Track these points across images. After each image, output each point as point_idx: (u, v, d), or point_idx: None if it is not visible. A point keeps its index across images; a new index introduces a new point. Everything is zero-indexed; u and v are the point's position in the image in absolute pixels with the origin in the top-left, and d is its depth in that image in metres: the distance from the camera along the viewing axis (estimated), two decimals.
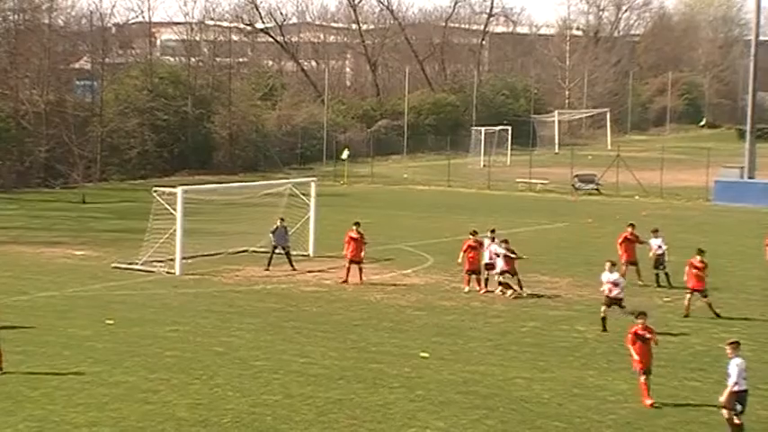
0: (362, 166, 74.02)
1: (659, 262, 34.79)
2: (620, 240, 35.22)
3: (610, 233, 36.11)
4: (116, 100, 72.64)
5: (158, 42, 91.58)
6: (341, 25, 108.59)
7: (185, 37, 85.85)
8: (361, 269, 35.08)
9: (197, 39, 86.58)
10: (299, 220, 40.46)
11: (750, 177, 64.36)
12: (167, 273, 35.85)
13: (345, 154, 70.33)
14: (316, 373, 24.17)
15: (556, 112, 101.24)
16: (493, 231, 34.82)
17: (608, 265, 29.42)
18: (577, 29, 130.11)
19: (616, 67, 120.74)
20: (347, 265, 34.97)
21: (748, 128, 66.28)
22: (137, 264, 36.57)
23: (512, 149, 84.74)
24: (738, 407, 19.71)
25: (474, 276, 33.60)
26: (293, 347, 26.51)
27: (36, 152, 64.62)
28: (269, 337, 27.65)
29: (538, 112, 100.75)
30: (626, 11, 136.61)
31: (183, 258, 36.43)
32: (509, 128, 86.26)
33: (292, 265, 37.01)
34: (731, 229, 49.44)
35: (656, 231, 35.25)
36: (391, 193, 65.33)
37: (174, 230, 36.25)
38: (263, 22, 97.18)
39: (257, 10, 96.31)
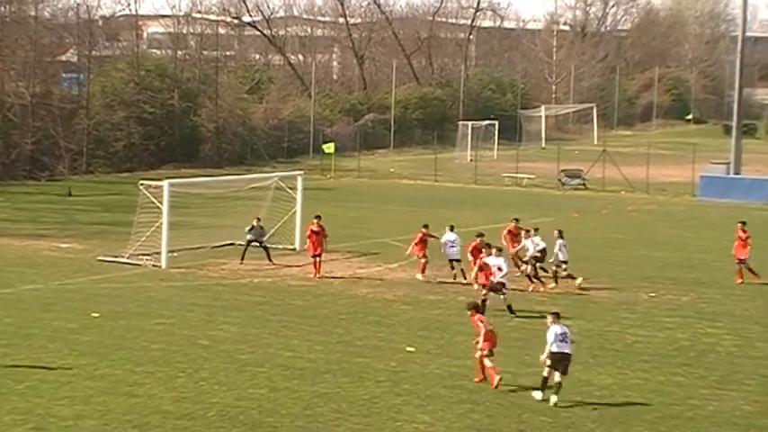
0: (349, 160, 74.00)
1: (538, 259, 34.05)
2: (504, 233, 35.81)
3: (596, 228, 36.18)
4: (102, 93, 72.44)
5: (145, 35, 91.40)
6: (328, 19, 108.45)
7: (172, 30, 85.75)
8: (319, 262, 35.13)
9: (184, 32, 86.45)
10: (285, 214, 40.43)
11: (736, 173, 64.53)
12: (153, 266, 35.80)
13: (331, 148, 70.00)
14: (301, 367, 24.18)
15: (542, 106, 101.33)
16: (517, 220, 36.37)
17: (494, 250, 30.41)
18: (564, 24, 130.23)
19: (603, 63, 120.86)
20: (313, 259, 35.04)
21: (734, 124, 66.47)
22: (123, 257, 36.51)
23: (498, 144, 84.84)
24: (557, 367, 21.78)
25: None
26: (279, 341, 26.51)
27: (22, 144, 64.40)
28: (255, 330, 27.65)
29: (525, 107, 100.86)
30: (613, 6, 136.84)
31: (170, 251, 36.38)
32: (496, 122, 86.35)
33: (270, 260, 37.12)
34: (717, 225, 49.57)
35: (535, 231, 34.72)
36: (378, 187, 65.32)
37: (161, 223, 36.21)
38: (251, 16, 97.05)
39: (244, 3, 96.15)
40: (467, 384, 23.12)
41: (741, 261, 35.19)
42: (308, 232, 35.50)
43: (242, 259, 37.01)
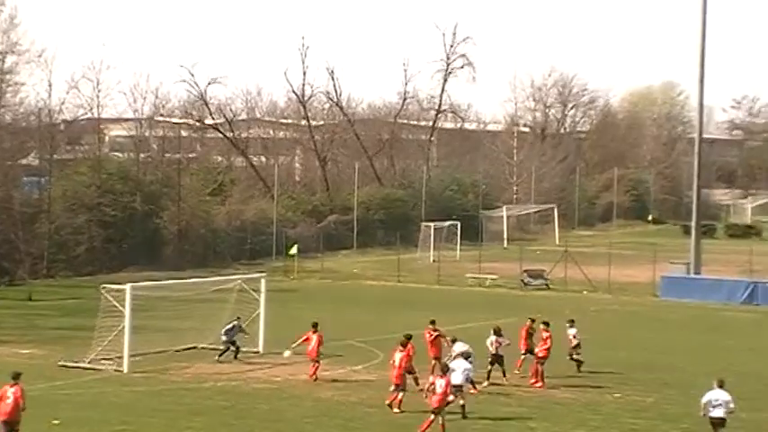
0: (312, 261, 73.94)
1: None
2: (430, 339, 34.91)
3: (558, 327, 36.26)
4: (64, 196, 72.22)
5: (107, 138, 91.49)
6: (290, 121, 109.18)
7: (135, 133, 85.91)
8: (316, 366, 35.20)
9: (146, 134, 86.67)
10: (248, 316, 40.22)
11: (696, 273, 64.98)
12: (115, 371, 35.41)
13: (294, 250, 70.17)
14: None
15: (504, 207, 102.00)
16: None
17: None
18: (524, 125, 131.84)
19: (563, 163, 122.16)
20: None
21: (694, 224, 67.15)
22: (84, 362, 36.08)
23: (461, 244, 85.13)
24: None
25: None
26: None
27: None
28: None
29: (486, 207, 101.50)
30: (572, 108, 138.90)
31: (132, 356, 36.02)
32: (458, 223, 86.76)
33: (236, 357, 37.54)
34: (679, 325, 49.78)
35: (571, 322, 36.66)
36: (341, 289, 65.21)
37: (123, 327, 35.90)
38: (213, 118, 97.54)
39: (207, 106, 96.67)
40: None
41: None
42: (306, 338, 35.37)
43: (220, 356, 37.54)
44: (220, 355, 37.71)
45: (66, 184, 73.25)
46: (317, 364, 35.13)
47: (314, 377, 35.05)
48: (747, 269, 68.09)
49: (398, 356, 31.13)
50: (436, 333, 34.86)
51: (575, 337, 36.52)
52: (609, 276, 64.00)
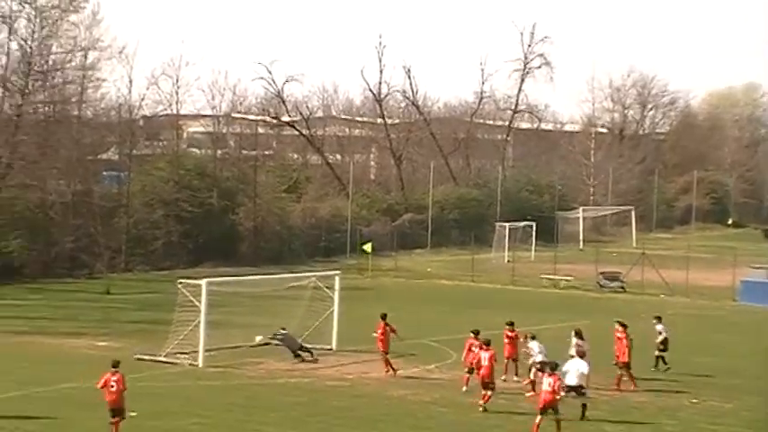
0: (386, 260, 73.94)
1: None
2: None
3: (634, 332, 35.76)
4: (142, 191, 73.04)
5: (185, 134, 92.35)
6: (366, 119, 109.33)
7: (212, 129, 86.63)
8: (387, 360, 35.40)
9: (224, 131, 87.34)
10: (322, 313, 40.30)
11: None
12: (191, 365, 35.69)
13: (368, 247, 70.19)
14: None
15: (580, 208, 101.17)
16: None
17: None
18: (602, 126, 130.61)
19: (641, 165, 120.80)
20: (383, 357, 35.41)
21: None
22: (160, 355, 36.41)
23: (536, 245, 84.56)
24: None
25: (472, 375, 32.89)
26: None
27: (62, 242, 64.88)
28: (292, 431, 27.36)
29: (562, 208, 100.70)
30: (651, 109, 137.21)
31: (207, 350, 36.28)
32: (533, 224, 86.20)
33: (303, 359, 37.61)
34: (759, 330, 48.93)
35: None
36: (415, 288, 65.13)
37: (198, 322, 36.18)
38: (290, 116, 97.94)
39: (283, 104, 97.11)
40: None
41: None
42: (379, 332, 35.55)
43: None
44: (297, 356, 37.67)
45: (144, 180, 74.06)
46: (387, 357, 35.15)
47: (390, 371, 35.05)
48: None
49: (485, 355, 30.92)
50: (514, 334, 34.71)
51: (661, 333, 36.64)
52: (687, 280, 63.13)
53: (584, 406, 29.83)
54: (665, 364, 36.77)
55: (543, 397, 27.41)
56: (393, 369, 35.42)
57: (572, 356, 32.48)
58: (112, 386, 25.92)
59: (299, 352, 37.75)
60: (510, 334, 34.80)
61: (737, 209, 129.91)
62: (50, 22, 65.84)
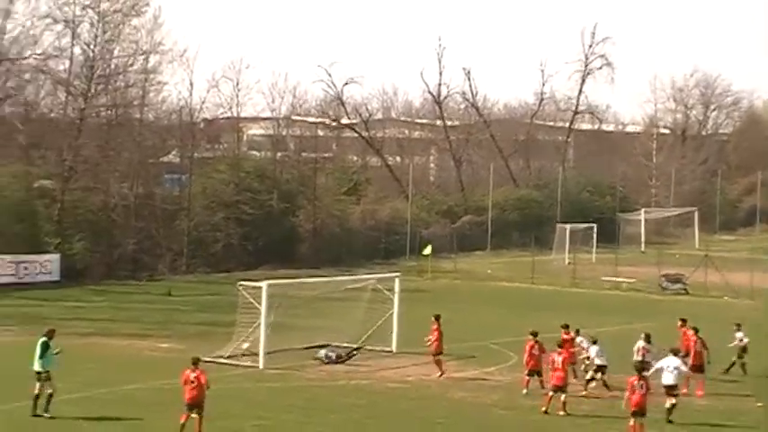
0: (446, 262, 73.80)
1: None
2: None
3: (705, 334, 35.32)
4: (203, 194, 73.51)
5: (245, 137, 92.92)
6: (425, 121, 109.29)
7: (272, 132, 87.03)
8: (439, 361, 35.37)
9: (283, 134, 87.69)
10: (382, 315, 40.29)
11: None
12: (251, 366, 35.82)
13: (428, 250, 70.24)
14: None
15: (642, 210, 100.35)
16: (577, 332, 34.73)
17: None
18: (664, 127, 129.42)
19: (704, 166, 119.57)
20: (435, 359, 35.37)
21: None
22: (222, 357, 36.59)
23: (597, 247, 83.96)
24: None
25: (536, 377, 32.86)
26: None
27: (125, 244, 65.50)
28: None
29: (623, 210, 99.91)
30: (714, 110, 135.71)
31: (268, 352, 36.42)
32: (594, 225, 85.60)
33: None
34: None
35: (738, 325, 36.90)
36: (474, 289, 64.93)
37: (259, 324, 36.33)
38: (349, 118, 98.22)
39: (343, 106, 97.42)
40: None
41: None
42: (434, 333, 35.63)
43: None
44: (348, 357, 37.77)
45: (205, 182, 74.53)
46: (440, 359, 35.15)
47: (443, 374, 35.03)
48: None
49: (559, 359, 30.65)
50: (569, 337, 34.46)
51: (741, 340, 36.47)
52: (751, 282, 62.33)
53: (672, 406, 29.55)
54: (745, 372, 36.39)
55: (635, 399, 27.02)
56: (443, 371, 35.29)
57: (638, 361, 32.04)
58: (193, 382, 26.44)
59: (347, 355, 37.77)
60: (566, 337, 34.46)
61: None
62: (112, 27, 66.51)
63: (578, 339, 34.57)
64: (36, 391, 28.02)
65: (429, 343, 35.69)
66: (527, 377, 32.83)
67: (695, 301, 60.74)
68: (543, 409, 30.10)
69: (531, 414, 30.31)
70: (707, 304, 58.77)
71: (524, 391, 32.68)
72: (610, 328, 45.76)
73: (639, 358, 33.09)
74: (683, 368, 30.48)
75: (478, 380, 35.35)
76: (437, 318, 36.07)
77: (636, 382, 27.13)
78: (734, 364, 36.58)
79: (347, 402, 31.27)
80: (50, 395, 28.03)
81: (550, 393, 30.31)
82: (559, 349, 31.13)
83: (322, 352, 37.83)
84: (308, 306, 46.02)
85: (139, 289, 59.92)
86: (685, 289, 64.26)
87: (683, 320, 36.42)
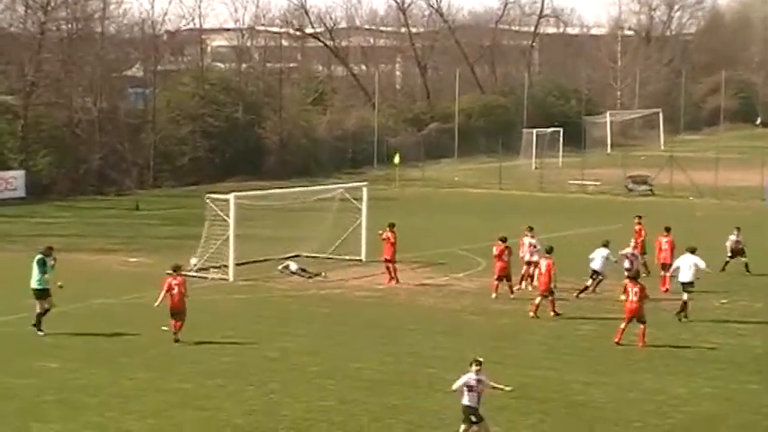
0: (414, 170, 73.92)
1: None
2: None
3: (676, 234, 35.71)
4: (168, 107, 73.07)
5: (209, 49, 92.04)
6: (390, 29, 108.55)
7: (236, 43, 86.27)
8: (393, 269, 35.63)
9: (247, 45, 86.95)
10: (350, 225, 40.45)
11: None
12: (221, 279, 35.98)
13: (397, 159, 70.35)
14: (371, 379, 24.14)
15: (607, 112, 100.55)
16: (531, 229, 34.99)
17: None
18: (629, 29, 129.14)
19: (668, 67, 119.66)
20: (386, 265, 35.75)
21: None
22: (191, 270, 36.67)
23: (563, 151, 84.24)
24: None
25: (505, 282, 33.27)
26: (348, 353, 26.50)
27: (90, 159, 65.15)
28: (323, 342, 27.66)
29: (589, 113, 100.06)
30: (678, 10, 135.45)
31: (237, 264, 36.55)
32: (560, 129, 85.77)
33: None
34: None
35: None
36: (443, 197, 65.19)
37: (228, 237, 36.40)
38: (313, 27, 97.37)
39: (307, 15, 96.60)
40: (537, 395, 22.95)
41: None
42: (383, 239, 35.93)
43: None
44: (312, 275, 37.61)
45: (169, 95, 74.04)
46: (392, 266, 35.46)
47: (395, 280, 35.26)
48: None
49: (544, 263, 30.58)
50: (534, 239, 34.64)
51: (737, 242, 37.52)
52: (716, 181, 62.89)
53: (685, 303, 30.12)
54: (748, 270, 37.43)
55: (629, 306, 27.23)
56: (396, 278, 35.52)
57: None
58: (173, 289, 27.22)
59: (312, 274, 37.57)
60: (532, 241, 34.59)
61: (766, 108, 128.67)
62: None
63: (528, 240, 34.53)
64: (39, 309, 28.11)
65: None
66: (496, 282, 33.15)
67: (661, 201, 61.29)
68: (531, 314, 30.38)
69: (500, 318, 30.68)
70: (672, 204, 59.35)
71: (493, 295, 33.04)
72: (576, 230, 46.18)
73: (628, 265, 33.28)
74: (702, 265, 30.84)
75: (448, 286, 35.66)
76: (391, 226, 36.06)
77: (630, 288, 27.35)
78: (727, 263, 37.35)
79: (318, 312, 31.52)
80: (47, 310, 28.14)
81: (538, 299, 30.56)
82: (547, 255, 31.14)
83: (288, 264, 37.80)
84: (277, 217, 46.18)
85: (107, 204, 59.81)
86: (651, 190, 64.77)
87: (639, 217, 37.80)
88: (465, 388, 19.41)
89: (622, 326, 27.15)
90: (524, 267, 34.27)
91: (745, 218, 54.35)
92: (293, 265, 37.58)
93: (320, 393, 22.96)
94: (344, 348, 26.93)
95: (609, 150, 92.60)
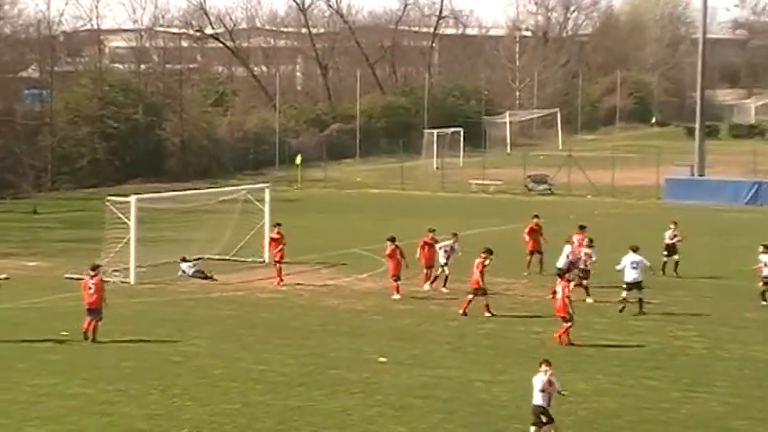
0: (316, 171, 73.90)
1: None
2: (526, 231, 37.93)
3: (563, 233, 36.33)
4: (66, 109, 72.00)
5: (107, 50, 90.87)
6: (291, 30, 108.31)
7: (135, 44, 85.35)
8: (280, 268, 35.78)
9: (147, 45, 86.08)
10: (253, 226, 40.34)
11: (700, 175, 64.95)
12: (122, 282, 35.60)
13: (299, 159, 70.33)
14: (274, 381, 24.13)
15: (507, 112, 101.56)
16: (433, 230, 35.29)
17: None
18: (526, 30, 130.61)
19: (565, 67, 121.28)
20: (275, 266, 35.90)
21: (698, 125, 66.85)
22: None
23: (464, 151, 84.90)
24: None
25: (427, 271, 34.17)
26: (251, 355, 26.44)
27: None
28: (226, 345, 27.55)
29: (489, 114, 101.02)
30: (574, 11, 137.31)
31: (138, 267, 36.21)
32: (461, 130, 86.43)
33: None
34: (684, 227, 49.72)
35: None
36: (345, 197, 65.29)
37: (128, 239, 36.03)
38: (213, 28, 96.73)
39: (207, 16, 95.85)
40: (440, 394, 23.15)
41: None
42: (269, 240, 36.12)
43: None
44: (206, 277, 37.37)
45: (67, 97, 72.97)
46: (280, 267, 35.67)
47: (281, 281, 35.40)
48: (751, 169, 68.03)
49: (476, 262, 30.89)
50: (434, 241, 34.91)
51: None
52: (613, 180, 63.97)
53: (641, 301, 30.86)
54: (675, 270, 37.33)
55: (556, 305, 27.72)
56: (281, 279, 35.65)
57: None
58: (90, 288, 27.68)
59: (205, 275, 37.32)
60: (428, 241, 34.89)
61: (660, 107, 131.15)
62: None
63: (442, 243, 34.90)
64: None
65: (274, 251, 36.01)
66: (395, 282, 33.38)
67: (560, 200, 62.16)
68: (461, 311, 30.63)
69: (403, 318, 30.85)
70: (571, 203, 60.23)
71: (395, 296, 33.24)
72: (479, 230, 46.61)
73: (566, 260, 33.60)
74: (646, 262, 31.61)
75: (351, 286, 35.76)
76: (276, 225, 36.35)
77: (557, 287, 27.90)
78: (665, 263, 37.52)
79: (221, 315, 31.38)
80: None
81: (469, 297, 30.82)
82: (483, 255, 31.31)
83: (182, 266, 37.45)
84: (179, 219, 45.80)
85: (3, 207, 58.68)
86: (550, 189, 65.65)
87: (536, 216, 38.86)
88: (537, 389, 19.71)
89: (565, 325, 27.50)
90: (440, 270, 34.59)
91: (642, 216, 55.51)
92: (187, 267, 37.24)
93: (224, 396, 22.88)
94: (248, 351, 26.86)
95: (509, 150, 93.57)
